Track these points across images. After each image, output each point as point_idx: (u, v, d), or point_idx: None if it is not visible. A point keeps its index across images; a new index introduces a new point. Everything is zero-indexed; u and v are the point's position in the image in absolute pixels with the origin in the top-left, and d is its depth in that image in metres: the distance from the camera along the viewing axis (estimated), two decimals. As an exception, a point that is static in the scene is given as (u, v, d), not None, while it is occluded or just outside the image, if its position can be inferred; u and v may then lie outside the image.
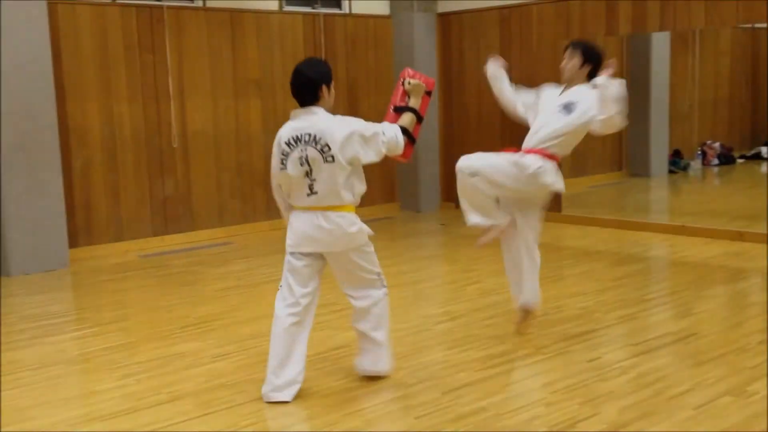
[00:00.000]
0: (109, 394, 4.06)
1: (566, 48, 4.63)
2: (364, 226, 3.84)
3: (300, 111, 3.79)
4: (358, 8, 9.35)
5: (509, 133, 9.18)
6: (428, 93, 4.05)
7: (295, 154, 3.72)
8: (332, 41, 9.10)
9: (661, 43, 11.07)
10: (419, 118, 3.97)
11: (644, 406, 3.76)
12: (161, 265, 7.20)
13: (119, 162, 7.68)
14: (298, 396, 3.97)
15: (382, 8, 9.57)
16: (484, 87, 9.35)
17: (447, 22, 9.62)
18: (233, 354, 4.68)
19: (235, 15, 8.37)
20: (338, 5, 9.25)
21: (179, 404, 3.93)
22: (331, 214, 3.74)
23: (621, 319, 5.19)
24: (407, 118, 3.93)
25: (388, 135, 3.80)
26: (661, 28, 8.07)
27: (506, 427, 3.58)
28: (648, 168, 11.42)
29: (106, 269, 7.00)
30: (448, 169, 9.86)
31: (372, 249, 3.92)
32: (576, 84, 4.59)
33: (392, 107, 4.00)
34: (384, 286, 4.02)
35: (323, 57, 8.99)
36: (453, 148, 9.78)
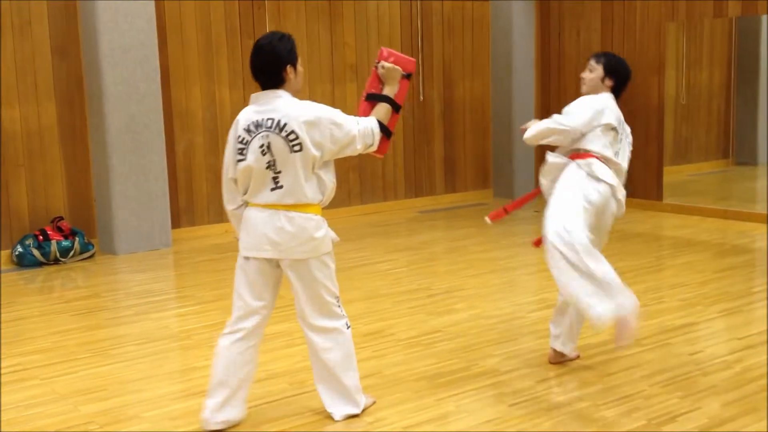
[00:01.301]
0: (208, 370, 4.18)
1: (589, 58, 4.25)
2: (331, 232, 3.37)
3: (261, 94, 3.27)
4: (456, -8, 9.27)
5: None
6: (407, 76, 3.51)
7: (256, 142, 3.19)
8: (429, 26, 9.06)
9: (773, 25, 10.55)
10: (395, 107, 3.46)
11: (748, 401, 3.62)
12: (258, 247, 7.36)
13: (221, 145, 7.87)
14: (389, 380, 4.00)
15: (480, -8, 9.46)
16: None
17: (546, 5, 9.44)
18: (328, 335, 4.74)
19: (334, 2, 8.43)
20: (436, -11, 9.20)
21: (274, 382, 4.02)
22: (296, 215, 3.23)
23: (724, 312, 5.01)
24: (382, 109, 3.41)
25: (363, 129, 3.30)
26: None
27: (603, 418, 3.51)
28: (755, 156, 10.93)
29: (207, 249, 7.21)
30: (543, 155, 9.70)
31: (333, 266, 3.40)
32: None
33: (365, 95, 3.51)
34: (344, 316, 3.46)
35: (420, 41, 8.98)
36: (550, 133, 9.62)
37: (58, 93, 7.05)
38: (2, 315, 5.33)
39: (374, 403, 3.66)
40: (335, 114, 3.26)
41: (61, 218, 6.95)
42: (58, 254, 6.72)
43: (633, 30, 8.65)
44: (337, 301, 3.42)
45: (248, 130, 3.22)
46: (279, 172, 3.20)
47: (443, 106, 9.30)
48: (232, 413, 3.42)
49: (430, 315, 5.10)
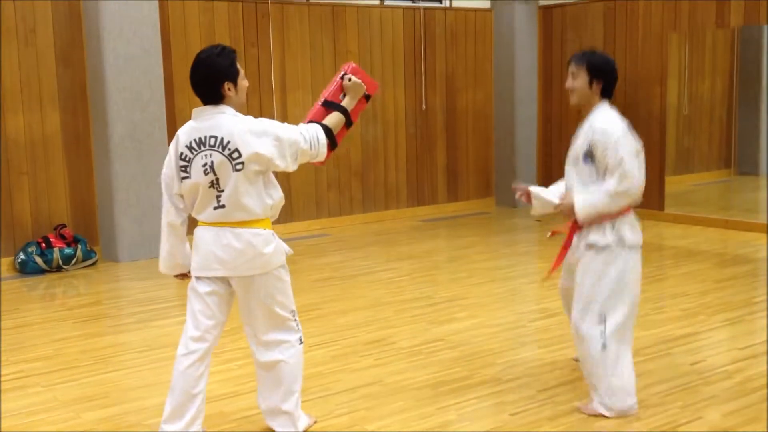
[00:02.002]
0: (211, 378, 4.15)
1: (568, 63, 3.81)
2: (282, 245, 3.25)
3: (203, 109, 3.16)
4: (459, 1, 9.31)
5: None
6: (367, 98, 3.49)
7: (199, 161, 3.09)
8: (432, 35, 9.09)
9: (775, 36, 10.57)
10: (348, 122, 3.39)
11: (749, 411, 3.62)
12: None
13: (222, 153, 7.89)
14: (391, 388, 4.00)
15: (483, 1, 9.50)
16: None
17: (549, 14, 9.47)
18: (329, 344, 4.75)
19: (337, 9, 8.47)
20: (438, -2, 9.25)
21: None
22: (243, 231, 3.13)
23: (725, 322, 5.01)
24: (335, 118, 3.32)
25: (309, 139, 3.19)
26: None
27: (604, 427, 3.51)
28: (757, 166, 10.93)
29: (209, 257, 7.20)
30: (545, 164, 9.73)
31: (288, 279, 3.29)
32: (589, 110, 3.74)
33: (321, 100, 3.41)
34: (299, 331, 3.34)
35: (423, 50, 9.01)
36: (552, 143, 9.64)
37: (62, 101, 7.08)
38: (4, 322, 5.34)
39: (315, 422, 3.56)
40: (279, 127, 3.15)
41: (64, 226, 6.97)
42: (60, 262, 6.73)
43: (635, 40, 8.67)
44: (293, 316, 3.31)
45: (190, 148, 3.12)
46: (222, 191, 3.10)
47: (446, 115, 9.32)
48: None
49: (432, 324, 5.10)
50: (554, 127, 9.64)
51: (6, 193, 6.85)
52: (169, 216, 3.27)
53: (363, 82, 3.43)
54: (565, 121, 9.48)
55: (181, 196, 3.22)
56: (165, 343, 4.88)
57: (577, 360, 4.11)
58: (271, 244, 3.17)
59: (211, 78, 3.11)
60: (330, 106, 3.38)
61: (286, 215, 8.36)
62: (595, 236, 3.62)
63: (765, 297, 5.60)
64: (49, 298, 6.19)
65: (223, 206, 3.11)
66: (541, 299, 5.75)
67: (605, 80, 3.71)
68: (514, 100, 9.45)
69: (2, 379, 4.26)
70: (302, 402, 3.84)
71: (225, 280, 3.23)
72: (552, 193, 3.98)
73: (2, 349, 4.76)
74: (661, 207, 8.57)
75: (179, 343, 3.30)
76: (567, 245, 3.79)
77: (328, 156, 3.31)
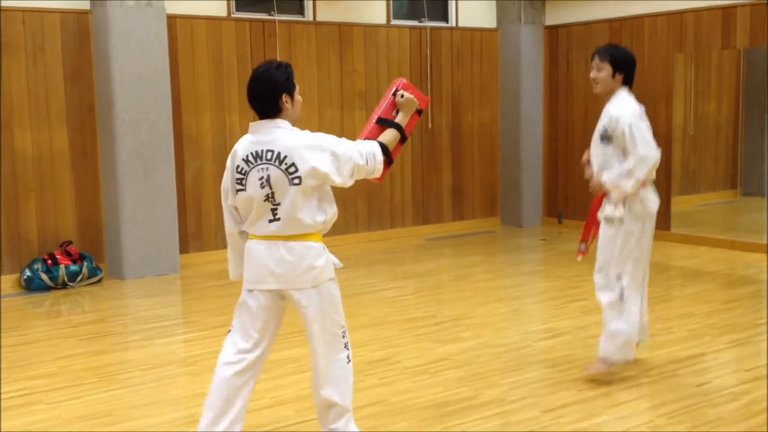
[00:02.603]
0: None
1: (592, 56, 4.29)
2: (332, 257, 3.31)
3: (260, 123, 3.20)
4: (465, 21, 9.35)
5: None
6: (419, 112, 3.52)
7: (255, 174, 3.14)
8: (438, 54, 9.13)
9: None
10: (403, 138, 3.42)
11: (757, 435, 3.60)
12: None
13: (229, 171, 7.91)
14: (395, 407, 3.98)
15: (489, 21, 9.54)
16: (591, 101, 9.26)
17: (554, 34, 9.51)
18: (334, 362, 4.73)
19: (344, 28, 8.52)
20: (445, 18, 9.29)
21: (281, 409, 4.01)
22: (296, 245, 3.16)
23: (732, 343, 4.98)
24: (390, 135, 3.36)
25: (365, 155, 3.22)
26: None
27: (609, 449, 3.49)
28: (763, 187, 10.91)
29: (215, 275, 7.21)
30: (551, 183, 9.73)
31: (338, 293, 3.32)
32: (612, 95, 4.24)
33: (376, 118, 3.45)
34: (348, 348, 3.37)
35: (429, 69, 9.05)
36: (557, 163, 9.65)
37: (70, 118, 7.11)
38: (9, 339, 5.35)
39: None
40: (336, 143, 3.19)
41: (70, 242, 6.98)
42: (66, 278, 6.74)
43: (641, 60, 8.69)
44: (343, 331, 3.34)
45: (247, 161, 3.16)
46: (278, 204, 3.14)
47: (451, 134, 9.34)
48: None
49: (437, 343, 5.09)
50: (560, 147, 9.65)
51: (13, 209, 6.87)
52: (228, 226, 3.35)
53: (415, 97, 3.47)
54: (570, 141, 9.49)
55: (236, 208, 3.27)
56: (169, 360, 4.88)
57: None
58: (322, 257, 3.22)
59: (269, 91, 3.16)
60: (384, 123, 3.41)
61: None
62: (609, 210, 4.19)
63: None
64: (54, 315, 6.19)
65: (278, 219, 3.14)
66: (546, 319, 5.74)
67: (626, 71, 4.24)
68: (520, 120, 9.47)
69: (6, 396, 4.26)
70: (304, 420, 3.83)
71: (277, 294, 3.26)
72: None
73: (6, 366, 4.76)
74: (667, 227, 8.55)
75: (223, 352, 3.31)
76: (591, 220, 4.34)
77: (384, 172, 3.34)
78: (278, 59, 8.16)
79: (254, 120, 3.27)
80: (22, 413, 4.03)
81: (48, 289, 6.70)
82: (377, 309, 5.97)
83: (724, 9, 7.94)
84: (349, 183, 3.22)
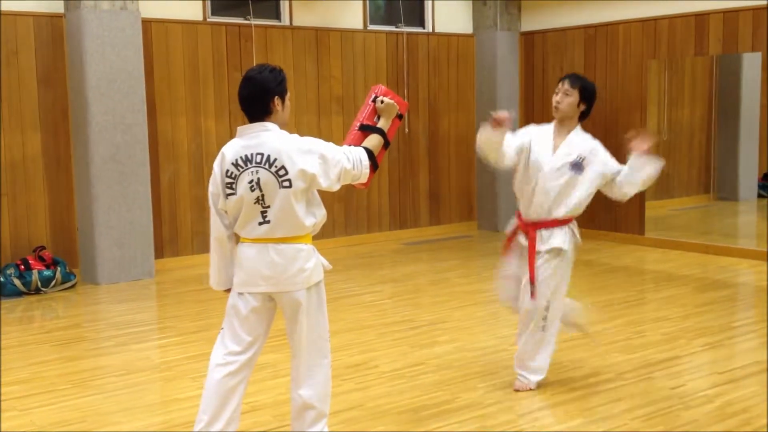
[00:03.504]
0: (191, 402, 4.15)
1: (562, 80, 4.23)
2: (322, 260, 3.35)
3: (249, 127, 3.22)
4: (441, 27, 9.39)
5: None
6: (400, 117, 3.54)
7: (246, 177, 3.15)
8: (414, 59, 9.16)
9: (752, 64, 10.73)
10: (386, 143, 3.45)
11: (730, 437, 3.64)
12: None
13: (205, 176, 7.87)
14: (372, 412, 3.98)
15: (465, 27, 9.59)
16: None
17: (530, 40, 9.57)
18: (310, 367, 4.71)
19: (321, 33, 8.52)
20: (422, 24, 9.32)
21: (257, 414, 4.00)
22: (286, 247, 3.19)
23: (706, 346, 5.03)
24: (375, 140, 3.38)
25: (352, 160, 3.25)
26: (753, 49, 7.85)
27: (584, 452, 3.51)
28: (736, 191, 11.05)
29: (190, 280, 7.17)
30: (528, 188, 9.76)
31: (324, 297, 3.38)
32: (568, 125, 4.22)
33: (358, 125, 3.47)
34: (329, 353, 3.41)
35: (405, 75, 9.06)
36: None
37: (44, 122, 7.05)
38: (-19, 345, 5.28)
39: None
40: (325, 147, 3.21)
41: (43, 248, 6.91)
42: (39, 284, 6.67)
43: (615, 66, 8.78)
44: (326, 335, 3.38)
45: (236, 165, 3.16)
46: (268, 207, 3.16)
47: (428, 140, 9.37)
48: None
49: (414, 347, 5.09)
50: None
51: (-15, 215, 6.79)
52: (218, 231, 3.30)
53: (395, 102, 3.49)
54: (546, 146, 9.53)
55: (226, 212, 3.27)
56: (143, 366, 4.84)
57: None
58: (312, 259, 3.25)
59: (261, 92, 3.17)
60: (367, 129, 3.43)
61: (268, 238, 8.33)
62: (559, 241, 4.17)
63: (745, 321, 5.65)
64: (27, 320, 6.12)
65: (268, 222, 3.16)
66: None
67: (589, 104, 4.25)
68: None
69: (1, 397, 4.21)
70: (282, 426, 3.82)
71: (268, 297, 3.27)
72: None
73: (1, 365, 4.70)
74: (641, 231, 8.63)
75: (213, 353, 3.32)
76: (531, 260, 4.23)
77: (370, 178, 3.37)
78: (254, 64, 8.16)
79: (241, 123, 3.27)
80: (-7, 420, 3.98)
81: (21, 294, 6.62)
82: (355, 313, 5.96)
83: (697, 16, 8.04)
84: (336, 187, 3.24)
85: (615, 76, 8.77)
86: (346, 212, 8.82)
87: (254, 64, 8.18)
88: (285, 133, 3.22)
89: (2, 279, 6.61)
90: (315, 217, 3.26)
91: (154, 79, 7.52)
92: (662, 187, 10.34)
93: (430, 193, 9.44)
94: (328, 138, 8.91)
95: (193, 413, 3.95)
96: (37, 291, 6.67)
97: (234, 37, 7.98)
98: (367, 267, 7.73)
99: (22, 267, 6.67)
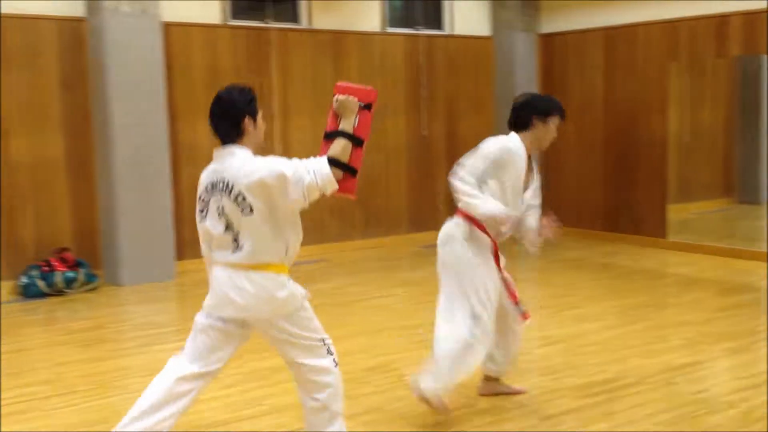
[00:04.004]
0: (213, 403, 4.16)
1: (562, 117, 4.22)
2: (298, 289, 3.18)
3: (219, 149, 3.15)
4: (460, 29, 9.37)
5: (611, 159, 9.01)
6: (366, 107, 3.25)
7: (213, 204, 3.11)
8: (433, 62, 9.14)
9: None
10: (356, 141, 3.17)
11: (754, 443, 3.61)
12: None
13: (224, 178, 7.90)
14: (391, 415, 3.97)
15: (484, 29, 9.56)
16: (586, 110, 9.29)
17: (549, 42, 9.54)
18: (330, 370, 4.72)
19: (339, 36, 8.53)
20: (440, 26, 9.31)
21: (278, 416, 4.01)
22: (257, 276, 3.09)
23: (728, 351, 4.99)
24: (337, 146, 3.13)
25: (311, 170, 3.03)
26: None
27: (606, 457, 3.49)
28: (758, 195, 10.94)
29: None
30: (552, 192, 9.72)
31: (310, 313, 3.23)
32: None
33: (324, 134, 3.26)
34: (332, 354, 3.29)
35: (424, 77, 9.06)
36: (550, 173, 9.65)
37: (65, 125, 7.10)
38: (6, 346, 5.32)
39: None
40: (285, 165, 3.03)
41: (66, 249, 6.96)
42: (62, 285, 6.72)
43: (635, 68, 8.72)
44: (323, 342, 3.25)
45: (207, 190, 3.13)
46: (237, 233, 3.08)
47: (446, 142, 9.35)
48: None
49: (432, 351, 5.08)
50: (551, 158, 9.66)
51: (9, 216, 6.85)
52: (203, 249, 3.29)
53: (353, 95, 3.24)
54: (564, 152, 9.49)
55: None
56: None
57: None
58: (284, 289, 3.12)
59: (231, 112, 3.10)
60: (330, 136, 3.21)
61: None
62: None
63: (766, 326, 5.59)
64: (50, 322, 6.17)
65: (240, 248, 3.08)
66: (541, 327, 5.73)
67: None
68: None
69: (3, 403, 4.24)
70: (301, 429, 3.82)
71: (239, 322, 3.19)
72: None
73: (3, 373, 4.74)
74: (663, 235, 8.57)
75: (172, 359, 3.22)
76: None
77: (352, 184, 3.17)
78: (273, 67, 8.18)
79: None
80: (18, 420, 4.01)
81: (44, 295, 6.68)
82: (372, 316, 5.96)
83: (719, 17, 7.97)
84: (303, 204, 3.07)
85: (635, 77, 8.72)
86: (364, 215, 8.82)
87: (273, 68, 8.25)
88: (248, 156, 3.09)
89: (26, 280, 6.67)
90: (287, 244, 3.14)
91: (175, 82, 7.56)
92: (684, 190, 10.28)
93: (448, 195, 9.41)
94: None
95: (216, 414, 3.98)
96: (61, 292, 6.73)
97: (253, 41, 8.00)
98: (384, 270, 7.73)
99: (46, 268, 6.73)
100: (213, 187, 3.10)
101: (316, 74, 8.39)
